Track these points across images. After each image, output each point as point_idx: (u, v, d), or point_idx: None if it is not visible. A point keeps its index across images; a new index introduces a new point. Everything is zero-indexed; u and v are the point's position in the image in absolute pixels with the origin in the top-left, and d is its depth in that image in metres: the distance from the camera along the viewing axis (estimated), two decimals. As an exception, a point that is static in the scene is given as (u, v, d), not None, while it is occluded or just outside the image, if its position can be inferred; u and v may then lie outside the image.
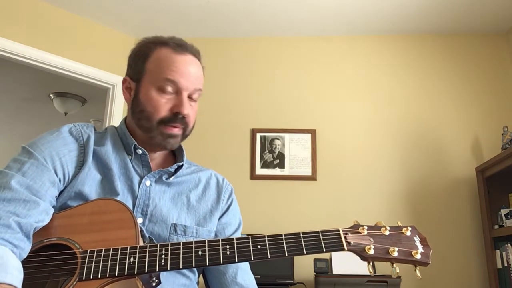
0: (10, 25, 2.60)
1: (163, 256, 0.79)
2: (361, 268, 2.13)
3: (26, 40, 2.63)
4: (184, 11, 2.82)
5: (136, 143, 0.99)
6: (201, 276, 1.06)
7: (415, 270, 0.83)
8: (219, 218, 1.05)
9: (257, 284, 1.05)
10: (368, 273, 0.83)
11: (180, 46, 0.99)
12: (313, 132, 2.86)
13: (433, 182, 2.69)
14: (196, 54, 1.02)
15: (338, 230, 0.84)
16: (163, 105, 0.96)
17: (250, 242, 0.81)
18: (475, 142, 2.74)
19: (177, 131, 0.98)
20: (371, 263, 0.82)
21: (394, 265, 0.82)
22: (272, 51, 3.08)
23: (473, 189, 2.63)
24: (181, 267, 0.79)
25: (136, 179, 0.97)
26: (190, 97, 0.98)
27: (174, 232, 0.95)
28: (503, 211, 2.36)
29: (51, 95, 4.15)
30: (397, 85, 2.91)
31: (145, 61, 0.99)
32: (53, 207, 0.86)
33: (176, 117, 0.96)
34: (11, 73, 3.66)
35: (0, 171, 0.84)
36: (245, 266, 1.03)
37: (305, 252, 0.81)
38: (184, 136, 1.02)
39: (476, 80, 2.85)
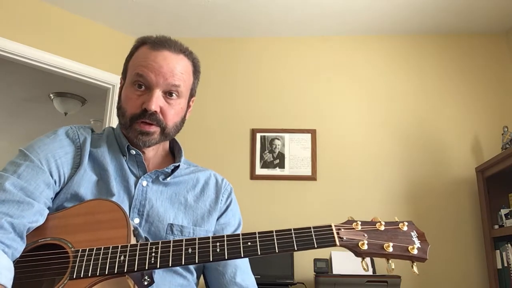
0: (10, 25, 2.60)
1: (153, 254, 0.79)
2: (361, 268, 2.13)
3: (26, 40, 2.63)
4: (184, 11, 2.82)
5: (129, 143, 0.99)
6: (201, 277, 1.06)
7: (412, 266, 0.80)
8: (218, 219, 1.05)
9: (257, 284, 1.04)
10: (367, 272, 0.83)
11: (157, 43, 0.97)
12: (313, 132, 2.86)
13: (433, 182, 2.69)
14: (177, 50, 0.98)
15: (330, 226, 0.83)
16: (134, 101, 0.96)
17: (241, 239, 0.80)
18: (475, 142, 2.74)
19: (148, 128, 0.95)
20: (365, 260, 0.81)
21: (390, 261, 0.80)
22: (272, 51, 3.07)
23: (473, 189, 2.63)
24: (170, 265, 0.79)
25: (132, 179, 0.97)
26: (167, 93, 0.97)
27: (171, 233, 0.95)
28: (503, 211, 2.36)
29: (51, 95, 4.15)
30: (397, 85, 2.91)
31: (129, 60, 1.02)
32: (49, 208, 0.87)
33: (145, 113, 0.94)
34: (11, 73, 3.66)
35: None
36: (244, 266, 1.03)
37: (296, 249, 0.80)
38: (165, 134, 0.99)
39: (476, 80, 2.85)
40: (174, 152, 1.11)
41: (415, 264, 0.80)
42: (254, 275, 1.05)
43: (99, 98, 3.88)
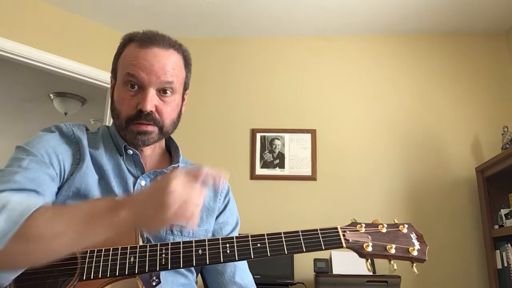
0: (10, 25, 2.60)
1: (163, 255, 0.79)
2: (361, 268, 2.13)
3: (26, 40, 2.63)
4: (185, 11, 2.82)
5: (126, 143, 0.97)
6: (199, 276, 1.06)
7: (412, 266, 0.84)
8: (216, 218, 1.05)
9: (257, 284, 1.05)
10: (368, 272, 0.85)
11: (145, 40, 0.94)
12: (313, 132, 2.86)
13: (433, 182, 2.69)
14: (166, 45, 0.95)
15: (336, 228, 0.85)
16: (128, 102, 0.93)
17: (250, 241, 0.81)
18: (475, 142, 2.74)
19: (144, 127, 0.93)
20: (369, 260, 0.84)
21: (392, 262, 0.84)
22: (272, 51, 3.07)
23: (473, 189, 2.62)
24: (181, 266, 0.79)
25: (130, 179, 0.96)
26: (161, 91, 0.94)
27: (171, 233, 0.95)
28: (503, 211, 2.36)
29: (51, 95, 4.15)
30: (397, 85, 2.91)
31: (118, 59, 0.99)
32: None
33: (140, 114, 0.92)
34: (11, 73, 3.66)
35: (1, 170, 0.83)
36: (243, 266, 1.03)
37: (304, 250, 0.81)
38: (163, 133, 0.97)
39: (476, 80, 2.85)
40: (170, 150, 1.09)
41: (414, 264, 0.84)
42: (254, 275, 1.05)
43: (99, 98, 3.88)
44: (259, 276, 2.27)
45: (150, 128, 0.94)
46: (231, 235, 1.05)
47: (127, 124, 0.94)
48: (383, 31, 2.97)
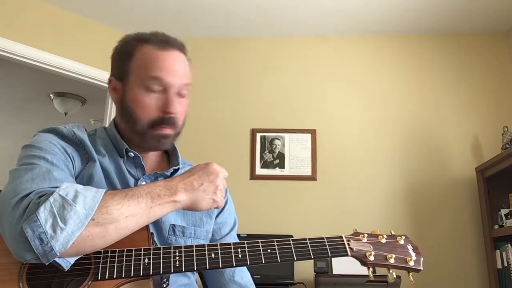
0: (10, 25, 2.60)
1: (177, 258, 0.80)
2: (360, 268, 2.13)
3: (26, 40, 2.63)
4: (185, 11, 2.82)
5: (127, 147, 0.96)
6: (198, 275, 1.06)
7: (409, 275, 0.89)
8: (215, 218, 1.05)
9: (257, 284, 1.06)
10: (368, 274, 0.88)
11: (163, 42, 0.94)
12: (313, 132, 2.86)
13: (433, 182, 2.69)
14: (181, 48, 0.97)
15: (341, 237, 0.89)
16: (151, 106, 0.92)
17: (261, 246, 0.84)
18: (475, 142, 2.74)
19: (169, 131, 0.94)
20: (371, 268, 0.88)
21: (391, 271, 0.88)
22: (272, 51, 3.07)
23: (473, 189, 2.63)
24: (195, 269, 0.81)
25: (131, 181, 0.96)
26: (178, 93, 0.95)
27: (173, 233, 0.95)
28: (503, 211, 2.36)
29: (51, 95, 4.15)
30: (397, 85, 2.91)
31: (129, 60, 0.95)
32: None
33: (165, 117, 0.92)
34: (11, 73, 3.66)
35: (31, 167, 0.80)
36: None
37: (312, 257, 0.85)
38: (177, 133, 0.98)
39: (476, 80, 2.85)
40: (168, 151, 1.09)
41: (411, 273, 0.90)
42: (254, 275, 1.07)
43: (99, 98, 3.88)
44: (259, 276, 2.27)
45: (172, 131, 0.95)
46: (229, 235, 1.06)
47: (149, 128, 0.93)
48: (383, 31, 2.97)
